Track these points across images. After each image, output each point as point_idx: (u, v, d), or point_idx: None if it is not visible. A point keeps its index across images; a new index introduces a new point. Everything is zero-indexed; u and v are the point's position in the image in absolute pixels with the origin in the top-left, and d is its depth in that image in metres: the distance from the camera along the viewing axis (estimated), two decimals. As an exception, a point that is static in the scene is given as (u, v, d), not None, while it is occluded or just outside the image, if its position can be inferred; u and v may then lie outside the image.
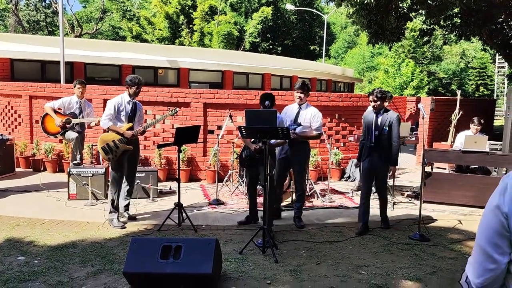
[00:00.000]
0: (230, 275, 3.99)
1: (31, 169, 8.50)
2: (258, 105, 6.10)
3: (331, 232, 5.32)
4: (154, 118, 7.79)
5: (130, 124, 5.40)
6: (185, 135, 5.39)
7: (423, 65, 36.24)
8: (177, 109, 5.66)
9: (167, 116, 5.63)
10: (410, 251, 4.72)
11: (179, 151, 5.49)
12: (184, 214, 5.33)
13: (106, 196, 6.44)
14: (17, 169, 8.28)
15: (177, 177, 5.48)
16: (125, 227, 5.26)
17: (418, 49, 35.43)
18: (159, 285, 3.69)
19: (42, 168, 8.40)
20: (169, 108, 5.83)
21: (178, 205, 5.31)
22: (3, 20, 35.41)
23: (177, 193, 5.42)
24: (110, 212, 5.35)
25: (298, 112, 5.49)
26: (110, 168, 5.39)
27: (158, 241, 3.86)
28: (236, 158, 7.45)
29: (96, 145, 7.95)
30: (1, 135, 8.03)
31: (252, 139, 5.11)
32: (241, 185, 7.15)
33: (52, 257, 4.29)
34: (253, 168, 5.32)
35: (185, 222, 5.32)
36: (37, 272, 3.95)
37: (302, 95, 5.46)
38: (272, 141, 5.02)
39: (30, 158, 8.58)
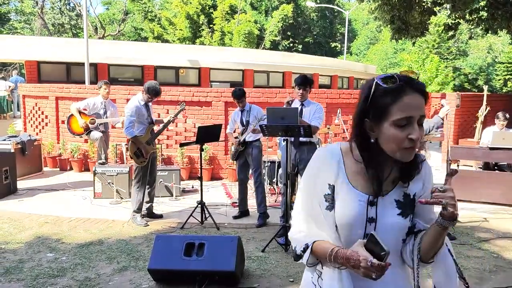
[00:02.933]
0: (253, 273, 4.01)
1: (58, 169, 8.72)
2: (279, 103, 6.14)
3: (354, 230, 5.26)
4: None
5: (152, 126, 5.52)
6: (207, 134, 5.43)
7: (448, 60, 35.44)
8: (184, 103, 5.82)
9: (178, 114, 5.71)
10: (435, 249, 4.63)
11: (201, 149, 5.54)
12: (206, 212, 5.37)
13: (130, 195, 6.55)
14: (44, 169, 8.52)
15: (199, 175, 5.52)
16: (148, 225, 5.34)
17: (442, 44, 34.66)
18: (183, 282, 3.73)
19: (68, 168, 8.60)
20: (176, 107, 5.93)
21: (201, 204, 5.35)
22: (30, 23, 36.38)
23: (200, 191, 5.47)
24: (135, 211, 5.43)
25: (301, 110, 5.10)
26: (136, 170, 5.44)
27: (181, 239, 3.90)
28: None
29: (120, 144, 8.12)
30: (29, 135, 8.26)
31: (236, 135, 5.72)
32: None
33: (79, 254, 4.39)
34: (239, 160, 5.69)
35: (207, 220, 5.36)
36: (65, 268, 4.05)
37: (304, 92, 5.08)
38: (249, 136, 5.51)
39: (57, 158, 8.80)
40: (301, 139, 4.96)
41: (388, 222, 1.36)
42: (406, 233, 1.40)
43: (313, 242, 1.38)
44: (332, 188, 1.39)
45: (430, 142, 6.97)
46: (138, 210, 5.42)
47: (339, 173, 1.39)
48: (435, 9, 13.19)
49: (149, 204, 5.63)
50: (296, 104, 5.18)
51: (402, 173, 1.39)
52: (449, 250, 1.39)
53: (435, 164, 9.98)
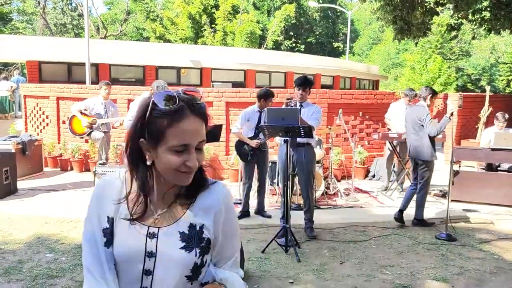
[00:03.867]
0: (252, 274, 3.99)
1: (59, 169, 8.71)
2: (281, 103, 6.11)
3: (355, 232, 5.25)
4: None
5: None
6: (207, 134, 5.39)
7: (451, 60, 35.32)
8: None
9: None
10: (436, 251, 4.61)
11: (202, 150, 5.52)
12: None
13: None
14: (45, 169, 8.51)
15: (200, 176, 5.51)
16: None
17: (445, 45, 34.53)
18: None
19: (69, 168, 8.61)
20: None
21: (201, 204, 5.33)
22: (32, 23, 36.46)
23: (200, 192, 5.44)
24: None
25: (300, 111, 4.89)
26: None
27: (180, 240, 3.88)
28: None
29: (120, 144, 8.11)
30: (30, 135, 8.26)
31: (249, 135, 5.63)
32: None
33: (79, 255, 4.38)
34: (252, 162, 5.68)
35: (207, 221, 5.33)
36: (65, 269, 4.04)
37: (304, 93, 5.00)
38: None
39: (58, 158, 8.79)
40: (299, 140, 4.90)
41: (169, 257, 1.22)
42: (192, 270, 1.24)
43: None
44: (111, 221, 1.25)
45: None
46: None
47: (119, 204, 1.26)
48: (437, 9, 13.14)
49: None
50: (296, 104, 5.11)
51: (185, 195, 1.27)
52: None
53: (436, 164, 9.93)
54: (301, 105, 5.04)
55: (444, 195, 6.83)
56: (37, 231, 5.09)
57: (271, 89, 5.84)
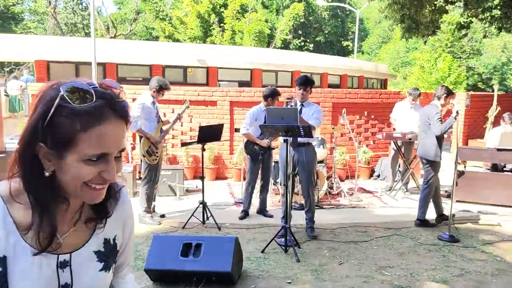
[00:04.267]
0: (251, 274, 3.99)
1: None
2: (283, 103, 6.11)
3: (356, 232, 5.22)
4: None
5: (161, 125, 5.53)
6: (208, 134, 5.42)
7: (461, 59, 34.91)
8: (188, 101, 5.82)
9: (184, 111, 5.70)
10: (438, 252, 4.56)
11: (203, 149, 5.54)
12: (208, 212, 5.37)
13: (134, 194, 6.58)
14: (52, 167, 8.59)
15: (202, 175, 5.54)
16: (161, 223, 5.38)
17: (456, 43, 34.14)
18: (180, 282, 3.73)
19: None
20: (181, 107, 5.91)
21: (202, 203, 5.35)
22: (43, 23, 36.85)
23: (202, 191, 5.46)
24: (145, 211, 5.43)
25: (300, 111, 4.94)
26: (147, 169, 5.40)
27: (179, 239, 3.90)
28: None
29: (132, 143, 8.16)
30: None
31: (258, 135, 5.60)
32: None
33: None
34: (257, 161, 5.67)
35: (209, 220, 5.35)
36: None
37: (305, 92, 5.00)
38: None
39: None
40: (299, 139, 4.89)
41: (88, 283, 1.05)
42: None
43: None
44: (3, 261, 0.95)
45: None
46: (148, 209, 5.44)
47: (8, 234, 0.95)
48: (447, 7, 12.99)
49: (152, 204, 5.65)
50: (297, 104, 5.10)
51: (96, 211, 1.06)
52: None
53: (442, 164, 9.82)
54: (302, 105, 5.04)
55: (449, 195, 6.75)
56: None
57: (277, 88, 5.83)
